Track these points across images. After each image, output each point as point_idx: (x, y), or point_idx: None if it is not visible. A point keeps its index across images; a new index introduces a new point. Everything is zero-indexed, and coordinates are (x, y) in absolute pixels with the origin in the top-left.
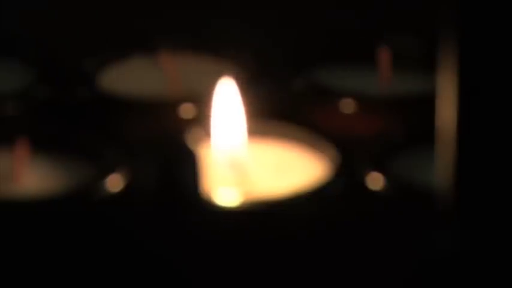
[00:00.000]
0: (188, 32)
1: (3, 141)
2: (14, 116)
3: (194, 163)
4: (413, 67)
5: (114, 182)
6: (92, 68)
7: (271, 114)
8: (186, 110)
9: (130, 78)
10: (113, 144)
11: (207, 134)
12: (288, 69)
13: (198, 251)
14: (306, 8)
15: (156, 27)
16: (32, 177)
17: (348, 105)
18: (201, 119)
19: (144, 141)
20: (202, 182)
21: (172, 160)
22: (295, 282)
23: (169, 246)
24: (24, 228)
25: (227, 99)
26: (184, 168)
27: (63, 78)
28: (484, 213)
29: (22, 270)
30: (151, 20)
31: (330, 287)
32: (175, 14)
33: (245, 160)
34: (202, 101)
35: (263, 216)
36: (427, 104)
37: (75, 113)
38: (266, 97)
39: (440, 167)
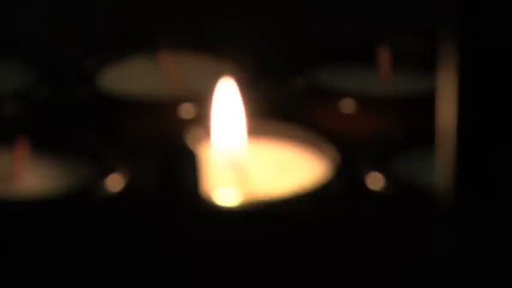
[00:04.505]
0: (188, 32)
1: (3, 141)
2: (14, 116)
3: (194, 163)
4: (414, 67)
5: (114, 182)
6: (92, 68)
7: (271, 114)
8: (186, 110)
9: (130, 78)
10: (113, 144)
11: (207, 134)
12: (288, 69)
13: (198, 250)
14: (306, 8)
15: (156, 27)
16: (32, 177)
17: (348, 105)
18: (201, 119)
19: (144, 141)
20: (202, 182)
21: (172, 160)
22: (296, 282)
23: (169, 246)
24: (24, 228)
25: (227, 99)
26: (184, 168)
27: (63, 78)
28: (484, 213)
29: (22, 270)
30: (152, 20)
31: (330, 286)
32: (176, 14)
33: (245, 160)
34: (202, 101)
35: (263, 216)
36: (427, 104)
37: (75, 113)
38: (266, 97)
39: (440, 167)
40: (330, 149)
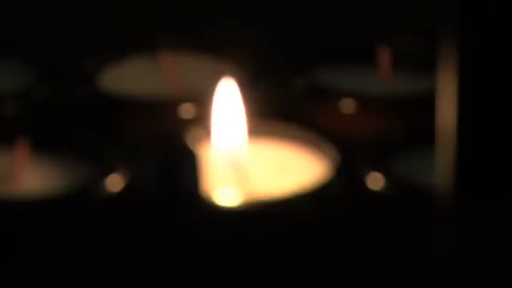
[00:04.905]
0: (188, 32)
1: (3, 141)
2: (14, 116)
3: (194, 163)
4: (414, 67)
5: (114, 182)
6: (92, 68)
7: (271, 114)
8: (186, 110)
9: (130, 78)
10: (113, 144)
11: (207, 134)
12: (288, 69)
13: (198, 250)
14: (306, 8)
15: (156, 27)
16: (32, 177)
17: (348, 105)
18: (201, 119)
19: (144, 141)
20: (202, 182)
21: (172, 160)
22: (295, 282)
23: (169, 246)
24: (24, 228)
25: (227, 99)
26: (184, 168)
27: (63, 78)
28: (484, 213)
29: (22, 270)
30: (152, 20)
31: (330, 286)
32: (176, 14)
33: (245, 160)
34: (202, 101)
35: (263, 216)
36: (427, 104)
37: (75, 113)
38: (266, 97)
39: (440, 167)
40: (330, 149)
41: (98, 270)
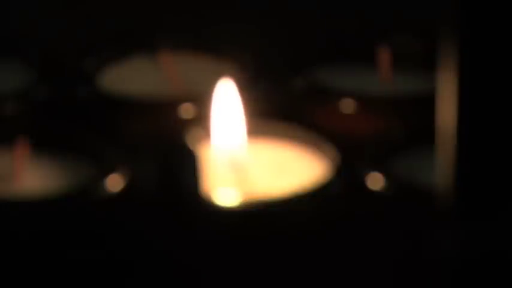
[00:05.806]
0: (188, 32)
1: (3, 141)
2: (14, 116)
3: (194, 163)
4: (414, 67)
5: (114, 182)
6: (92, 68)
7: (271, 114)
8: (186, 110)
9: (130, 78)
10: (113, 144)
11: (207, 134)
12: (288, 69)
13: (197, 250)
14: (306, 8)
15: (156, 27)
16: (32, 177)
17: (348, 105)
18: (201, 119)
19: (144, 141)
20: (202, 182)
21: (173, 160)
22: (295, 283)
23: (169, 246)
24: (24, 228)
25: (227, 99)
26: (184, 168)
27: (63, 78)
28: (484, 213)
29: (22, 271)
30: (152, 20)
31: (330, 287)
32: (176, 14)
33: (245, 160)
34: (202, 101)
35: (263, 216)
36: (427, 104)
37: (75, 113)
38: (266, 97)
39: (440, 167)
40: (330, 149)
41: (98, 270)
